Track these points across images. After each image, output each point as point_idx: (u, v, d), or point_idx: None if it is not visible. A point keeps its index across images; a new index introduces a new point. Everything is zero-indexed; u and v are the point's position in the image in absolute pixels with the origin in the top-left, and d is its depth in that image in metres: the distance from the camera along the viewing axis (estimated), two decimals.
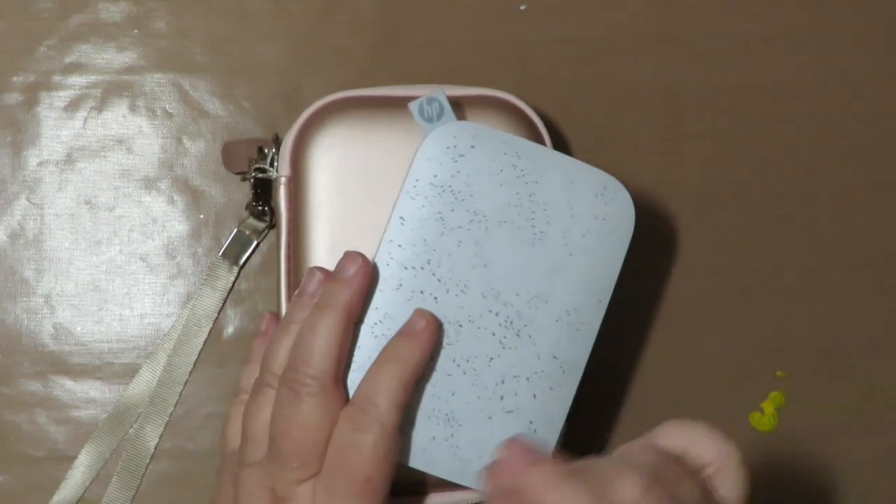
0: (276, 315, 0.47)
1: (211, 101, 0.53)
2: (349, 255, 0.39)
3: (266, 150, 0.48)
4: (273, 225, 0.51)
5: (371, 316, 0.40)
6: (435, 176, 0.40)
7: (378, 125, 0.46)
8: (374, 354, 0.39)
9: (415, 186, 0.40)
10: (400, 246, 0.40)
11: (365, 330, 0.39)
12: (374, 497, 0.37)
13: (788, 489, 0.53)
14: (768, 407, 0.53)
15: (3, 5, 0.53)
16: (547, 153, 0.40)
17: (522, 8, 0.54)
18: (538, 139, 0.47)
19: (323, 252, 0.46)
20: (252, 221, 0.51)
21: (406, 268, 0.40)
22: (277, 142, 0.48)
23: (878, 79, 0.55)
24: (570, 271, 0.40)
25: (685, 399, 0.53)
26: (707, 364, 0.53)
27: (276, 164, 0.48)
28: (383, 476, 0.37)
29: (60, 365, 0.52)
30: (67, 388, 0.52)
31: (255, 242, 0.52)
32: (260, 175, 0.48)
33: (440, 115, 0.41)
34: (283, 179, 0.47)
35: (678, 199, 0.53)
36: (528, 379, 0.40)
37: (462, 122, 0.40)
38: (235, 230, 0.51)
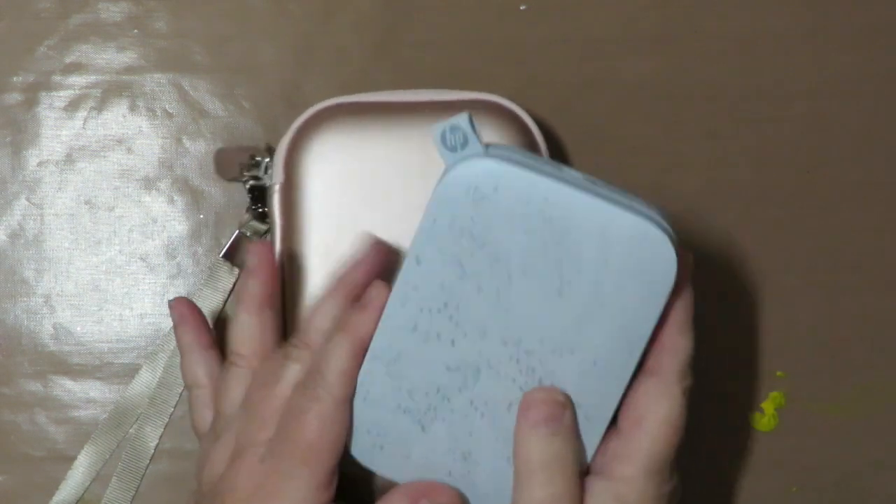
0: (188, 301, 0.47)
1: (211, 101, 0.53)
2: (376, 286, 0.40)
3: (258, 158, 0.48)
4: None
5: (386, 354, 0.38)
6: (453, 218, 0.36)
7: (373, 132, 0.46)
8: (389, 393, 0.39)
9: (432, 227, 0.36)
10: (416, 288, 0.37)
11: (380, 368, 0.38)
12: (317, 465, 0.38)
13: (788, 489, 0.53)
14: (768, 407, 0.53)
15: (3, 5, 0.53)
16: (580, 198, 0.36)
17: (522, 8, 0.54)
18: (533, 144, 0.47)
19: (316, 260, 0.46)
20: (253, 223, 0.51)
21: (422, 310, 0.38)
22: (270, 151, 0.48)
23: (877, 79, 0.55)
24: (600, 322, 0.37)
25: None
26: (707, 364, 0.53)
27: (269, 171, 0.48)
28: (328, 445, 0.38)
29: (60, 365, 0.52)
30: (67, 388, 0.52)
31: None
32: (254, 182, 0.48)
33: (464, 144, 0.36)
34: (276, 186, 0.47)
35: (678, 199, 0.53)
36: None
37: (486, 161, 0.36)
38: (237, 232, 0.51)
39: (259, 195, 0.49)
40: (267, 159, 0.48)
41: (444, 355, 0.38)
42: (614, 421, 0.39)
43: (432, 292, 0.37)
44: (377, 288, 0.39)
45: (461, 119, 0.36)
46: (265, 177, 0.48)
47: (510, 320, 0.37)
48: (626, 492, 0.38)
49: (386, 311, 0.38)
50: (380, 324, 0.38)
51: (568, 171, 0.37)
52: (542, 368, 0.38)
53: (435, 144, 0.36)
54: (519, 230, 0.36)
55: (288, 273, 0.46)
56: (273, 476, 0.38)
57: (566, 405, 0.38)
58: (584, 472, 0.39)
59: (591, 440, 0.39)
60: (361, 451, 0.40)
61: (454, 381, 0.38)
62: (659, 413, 0.38)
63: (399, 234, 0.46)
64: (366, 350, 0.38)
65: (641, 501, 0.38)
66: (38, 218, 0.52)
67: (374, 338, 0.38)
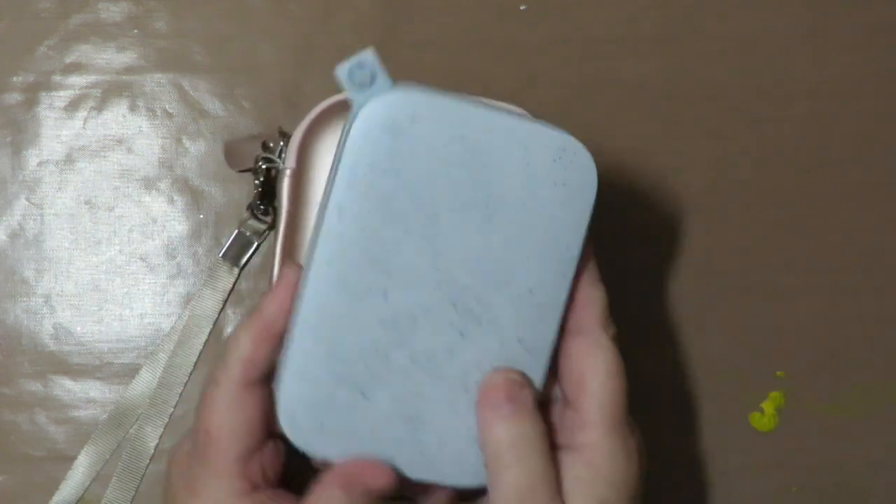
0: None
1: (211, 101, 0.53)
2: (289, 265, 0.39)
3: (272, 144, 0.49)
4: (274, 225, 0.51)
5: (317, 320, 0.37)
6: (373, 157, 0.35)
7: None
8: (324, 365, 0.37)
9: (351, 171, 0.35)
10: (341, 242, 0.36)
11: (311, 337, 0.37)
12: (217, 451, 0.37)
13: (788, 489, 0.53)
14: (768, 407, 0.53)
15: (3, 5, 0.53)
16: (498, 118, 0.36)
17: (522, 8, 0.54)
18: None
19: None
20: (253, 222, 0.51)
21: (350, 264, 0.37)
22: (284, 135, 0.49)
23: (877, 79, 0.55)
24: (529, 247, 0.37)
25: (685, 399, 0.53)
26: (707, 364, 0.53)
27: (283, 155, 0.48)
28: (226, 432, 0.37)
29: (60, 365, 0.52)
30: (67, 388, 0.52)
31: (255, 243, 0.52)
32: (268, 165, 0.49)
33: (372, 80, 0.35)
34: (288, 171, 0.47)
35: (678, 199, 0.53)
36: (492, 366, 0.38)
37: (399, 92, 0.35)
38: (236, 231, 0.51)
39: (268, 188, 0.50)
40: (282, 143, 0.48)
41: (377, 310, 0.37)
42: (554, 371, 0.39)
43: (359, 243, 0.36)
44: (288, 267, 0.38)
45: (367, 55, 0.35)
46: (278, 160, 0.48)
47: (442, 260, 0.37)
48: (593, 457, 0.37)
49: (312, 273, 0.37)
50: (307, 290, 0.37)
51: (478, 99, 0.37)
52: (478, 307, 0.38)
53: (341, 83, 0.35)
54: (441, 158, 0.36)
55: (287, 258, 0.47)
56: (194, 467, 0.38)
57: (524, 383, 0.38)
58: (545, 401, 0.39)
59: (536, 374, 0.39)
60: (303, 438, 0.38)
61: (390, 337, 0.37)
62: (597, 368, 0.38)
63: None
64: (272, 332, 0.37)
65: (612, 461, 0.37)
66: (38, 218, 0.52)
67: (303, 306, 0.37)
